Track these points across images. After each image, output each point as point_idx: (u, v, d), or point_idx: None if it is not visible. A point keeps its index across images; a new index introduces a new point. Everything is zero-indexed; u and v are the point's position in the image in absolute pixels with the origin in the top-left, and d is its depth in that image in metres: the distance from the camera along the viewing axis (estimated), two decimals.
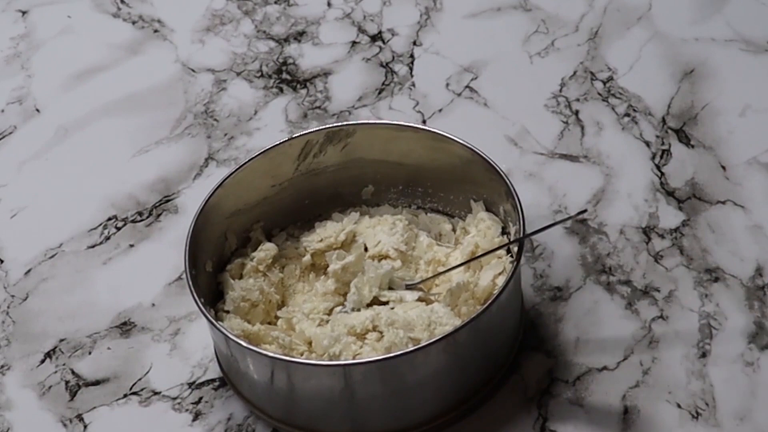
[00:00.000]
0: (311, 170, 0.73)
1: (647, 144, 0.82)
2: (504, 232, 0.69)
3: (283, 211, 0.74)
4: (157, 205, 0.81)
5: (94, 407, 0.69)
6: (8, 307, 0.75)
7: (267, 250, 0.71)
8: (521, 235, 0.64)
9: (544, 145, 0.82)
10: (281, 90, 0.90)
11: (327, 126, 0.72)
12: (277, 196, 0.73)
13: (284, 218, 0.74)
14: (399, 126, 0.72)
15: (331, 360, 0.64)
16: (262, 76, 0.91)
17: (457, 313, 0.66)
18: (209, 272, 0.69)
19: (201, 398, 0.69)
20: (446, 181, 0.73)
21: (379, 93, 0.88)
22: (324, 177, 0.73)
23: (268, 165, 0.71)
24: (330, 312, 0.69)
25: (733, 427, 0.64)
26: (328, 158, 0.72)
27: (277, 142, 0.71)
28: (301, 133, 0.72)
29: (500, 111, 0.86)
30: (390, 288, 0.69)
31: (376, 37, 0.94)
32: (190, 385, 0.69)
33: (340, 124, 0.72)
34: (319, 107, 0.88)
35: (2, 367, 0.72)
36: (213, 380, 0.69)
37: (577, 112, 0.85)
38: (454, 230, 0.73)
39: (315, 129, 0.72)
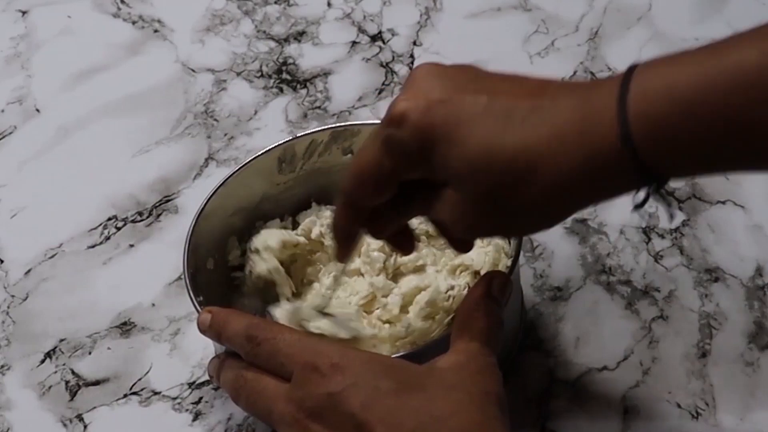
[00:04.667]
0: (316, 169, 0.73)
1: None
2: None
3: (288, 210, 0.74)
4: (157, 205, 0.81)
5: (94, 407, 0.69)
6: (8, 307, 0.75)
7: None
8: (519, 238, 0.64)
9: None
10: (281, 90, 0.90)
11: (332, 125, 0.72)
12: (282, 195, 0.73)
13: (289, 217, 0.74)
14: None
15: None
16: (262, 76, 0.91)
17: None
18: (210, 269, 0.69)
19: (201, 398, 0.69)
20: None
21: (379, 93, 0.89)
22: (329, 176, 0.73)
23: (272, 164, 0.71)
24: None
25: (733, 427, 0.64)
26: (334, 157, 0.72)
27: (282, 141, 0.71)
28: (306, 132, 0.72)
29: None
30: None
31: (376, 37, 0.94)
32: (190, 385, 0.69)
33: (345, 123, 0.72)
34: (319, 107, 0.88)
35: (2, 367, 0.72)
36: None
37: None
38: None
39: (320, 128, 0.72)
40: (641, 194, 0.48)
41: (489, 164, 0.48)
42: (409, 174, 0.52)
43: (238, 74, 0.92)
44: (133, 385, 0.70)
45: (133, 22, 0.98)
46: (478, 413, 0.49)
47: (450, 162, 0.49)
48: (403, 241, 0.60)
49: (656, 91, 0.46)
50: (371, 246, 0.69)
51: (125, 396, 0.69)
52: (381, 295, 0.67)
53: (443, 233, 0.60)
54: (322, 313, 0.62)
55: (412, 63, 0.91)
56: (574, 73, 0.88)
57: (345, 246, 0.59)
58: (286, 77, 0.91)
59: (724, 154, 0.46)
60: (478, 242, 0.70)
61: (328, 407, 0.49)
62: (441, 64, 0.53)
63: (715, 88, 0.44)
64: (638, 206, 0.48)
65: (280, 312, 0.63)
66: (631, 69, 0.47)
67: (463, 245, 0.61)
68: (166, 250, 0.78)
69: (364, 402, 0.49)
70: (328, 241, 0.71)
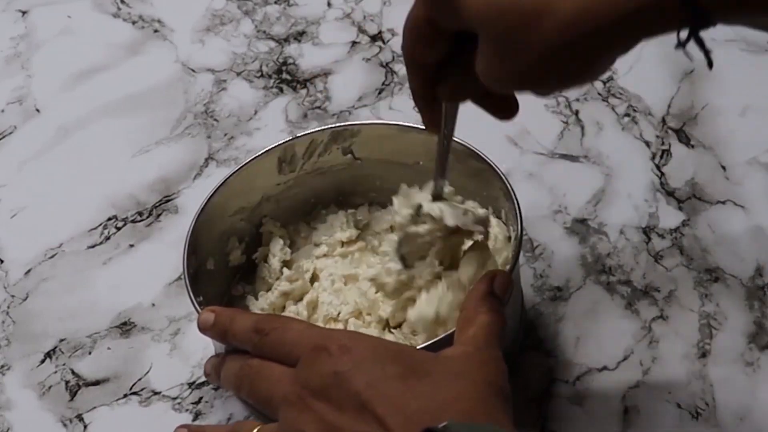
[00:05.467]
0: (316, 169, 0.73)
1: (647, 144, 0.82)
2: (508, 239, 0.69)
3: (288, 210, 0.74)
4: (157, 205, 0.81)
5: (94, 407, 0.69)
6: (8, 307, 0.75)
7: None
8: (519, 238, 0.64)
9: (544, 145, 0.82)
10: (281, 90, 0.90)
11: (332, 125, 0.72)
12: (282, 195, 0.73)
13: (289, 217, 0.74)
14: (403, 127, 0.71)
15: None
16: (262, 76, 0.91)
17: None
18: (210, 269, 0.69)
19: (201, 398, 0.69)
20: (450, 183, 0.73)
21: (379, 93, 0.89)
22: (329, 176, 0.73)
23: (272, 164, 0.71)
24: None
25: (733, 427, 0.64)
26: (333, 158, 0.72)
27: (282, 141, 0.71)
28: (306, 132, 0.72)
29: None
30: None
31: (376, 37, 0.94)
32: (190, 385, 0.69)
33: (345, 123, 0.72)
34: (319, 107, 0.88)
35: (2, 367, 0.72)
36: None
37: (577, 112, 0.85)
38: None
39: (320, 128, 0.72)
40: (683, 34, 0.44)
41: (506, 6, 0.45)
42: (444, 22, 0.50)
43: (238, 74, 0.92)
44: (133, 385, 0.70)
45: (133, 22, 0.98)
46: (482, 401, 0.50)
47: (467, 5, 0.47)
48: (501, 105, 0.57)
49: None
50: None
51: (125, 396, 0.69)
52: (366, 312, 0.67)
53: (483, 102, 0.57)
54: (439, 198, 0.62)
55: None
56: None
57: (428, 112, 0.57)
58: (286, 77, 0.91)
59: None
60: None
61: (332, 385, 0.49)
62: None
63: None
64: (681, 44, 0.44)
65: (397, 199, 0.63)
66: None
67: (504, 108, 0.57)
68: (166, 250, 0.78)
69: (370, 382, 0.49)
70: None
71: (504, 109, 0.57)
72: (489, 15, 0.46)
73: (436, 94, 0.55)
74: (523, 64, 0.46)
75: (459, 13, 0.48)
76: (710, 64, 0.45)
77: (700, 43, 0.44)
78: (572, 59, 0.46)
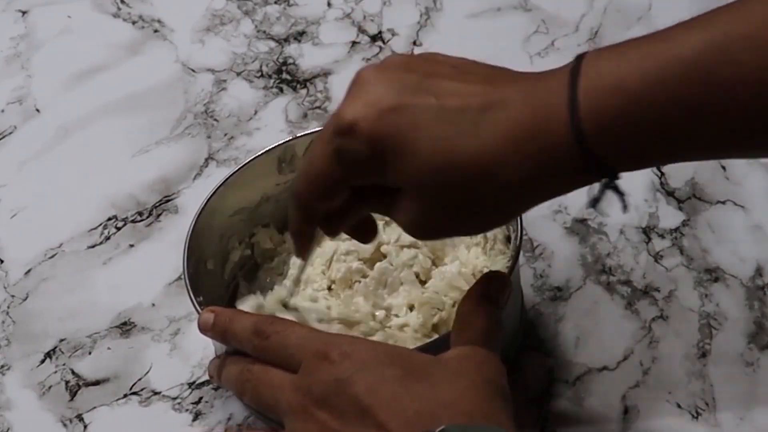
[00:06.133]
0: None
1: None
2: (508, 239, 0.69)
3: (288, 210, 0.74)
4: (157, 205, 0.81)
5: (94, 407, 0.69)
6: (8, 307, 0.75)
7: None
8: (519, 238, 0.64)
9: None
10: (281, 90, 0.90)
11: None
12: (282, 195, 0.73)
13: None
14: None
15: None
16: (262, 76, 0.91)
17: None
18: (210, 270, 0.69)
19: (201, 398, 0.69)
20: None
21: None
22: None
23: (272, 164, 0.71)
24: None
25: (733, 427, 0.64)
26: None
27: (282, 141, 0.71)
28: (306, 132, 0.72)
29: None
30: None
31: (376, 37, 0.94)
32: (190, 385, 0.69)
33: None
34: (319, 107, 0.88)
35: (2, 367, 0.72)
36: None
37: None
38: None
39: (320, 128, 0.72)
40: (596, 189, 0.49)
41: (444, 173, 0.48)
42: (361, 182, 0.52)
43: (238, 74, 0.92)
44: (133, 385, 0.70)
45: (133, 22, 0.98)
46: (482, 400, 0.50)
47: (404, 171, 0.49)
48: (363, 231, 0.60)
49: (606, 86, 0.46)
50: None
51: (125, 396, 0.69)
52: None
53: (353, 232, 0.61)
54: (286, 307, 0.64)
55: None
56: None
57: (303, 245, 0.59)
58: (286, 77, 0.91)
59: (676, 145, 0.46)
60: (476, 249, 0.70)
61: (334, 392, 0.50)
62: (384, 65, 0.51)
63: (664, 79, 0.45)
64: (595, 202, 0.49)
65: (246, 306, 0.63)
66: (579, 60, 0.47)
67: (368, 237, 0.61)
68: (166, 250, 0.78)
69: (370, 386, 0.49)
70: None
71: (368, 237, 0.61)
72: (430, 177, 0.49)
73: (317, 230, 0.58)
74: (455, 219, 0.51)
75: (389, 177, 0.50)
76: (625, 208, 0.49)
77: (617, 191, 0.48)
78: (504, 214, 0.52)
